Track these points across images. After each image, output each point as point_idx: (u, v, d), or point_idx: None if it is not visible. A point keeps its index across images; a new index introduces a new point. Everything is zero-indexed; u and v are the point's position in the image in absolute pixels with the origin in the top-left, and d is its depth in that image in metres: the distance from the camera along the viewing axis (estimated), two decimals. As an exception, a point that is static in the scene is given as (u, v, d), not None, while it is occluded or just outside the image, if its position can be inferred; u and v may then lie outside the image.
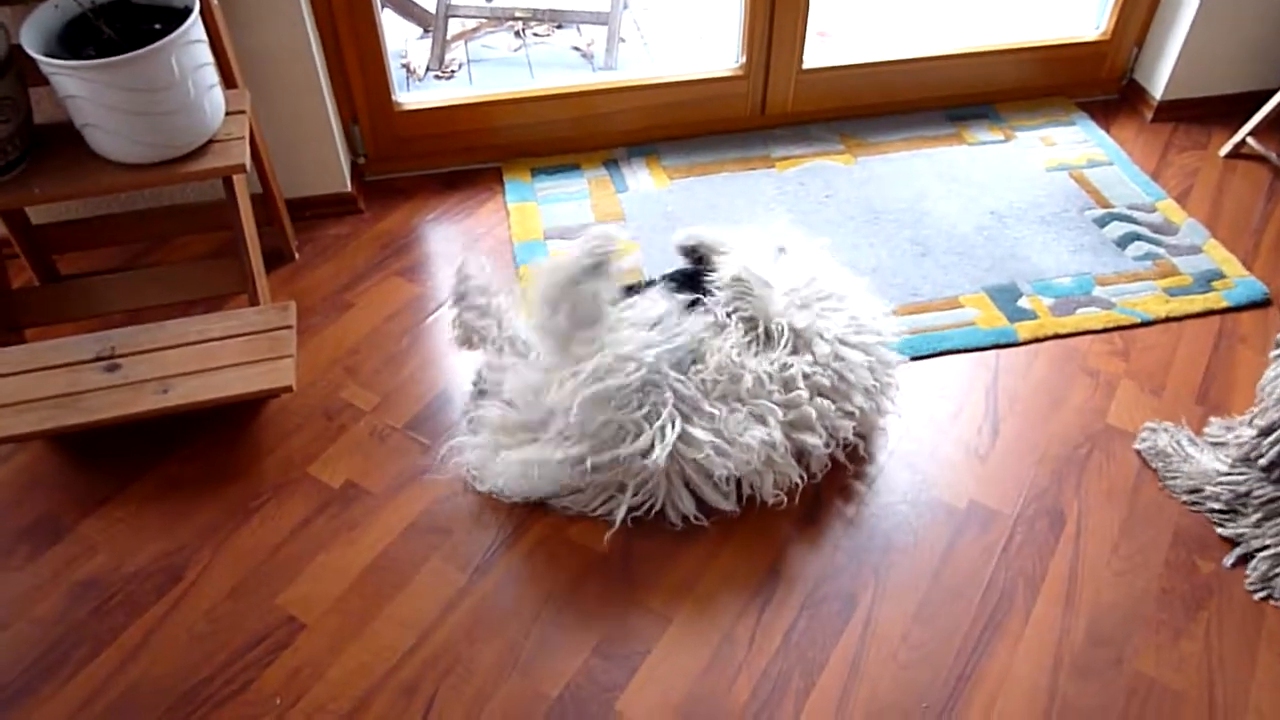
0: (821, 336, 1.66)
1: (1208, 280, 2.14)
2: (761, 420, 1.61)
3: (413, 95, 2.40)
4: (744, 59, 2.45)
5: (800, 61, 2.47)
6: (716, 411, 1.58)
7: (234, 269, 1.96)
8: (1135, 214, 2.32)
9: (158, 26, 1.65)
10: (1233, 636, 1.54)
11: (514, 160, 2.48)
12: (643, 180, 2.42)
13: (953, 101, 2.67)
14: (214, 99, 1.68)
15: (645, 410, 1.55)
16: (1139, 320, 2.05)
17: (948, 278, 2.15)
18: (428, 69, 2.99)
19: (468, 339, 1.86)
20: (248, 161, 1.67)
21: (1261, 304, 2.11)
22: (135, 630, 1.54)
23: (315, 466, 1.78)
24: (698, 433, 1.56)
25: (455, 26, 3.15)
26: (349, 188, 2.32)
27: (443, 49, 3.01)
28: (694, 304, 1.72)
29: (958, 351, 1.99)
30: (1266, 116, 2.46)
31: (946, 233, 2.27)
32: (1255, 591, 1.59)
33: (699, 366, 1.62)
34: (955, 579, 1.61)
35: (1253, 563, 1.61)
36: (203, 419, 1.84)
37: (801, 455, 1.66)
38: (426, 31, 3.16)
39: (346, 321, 2.07)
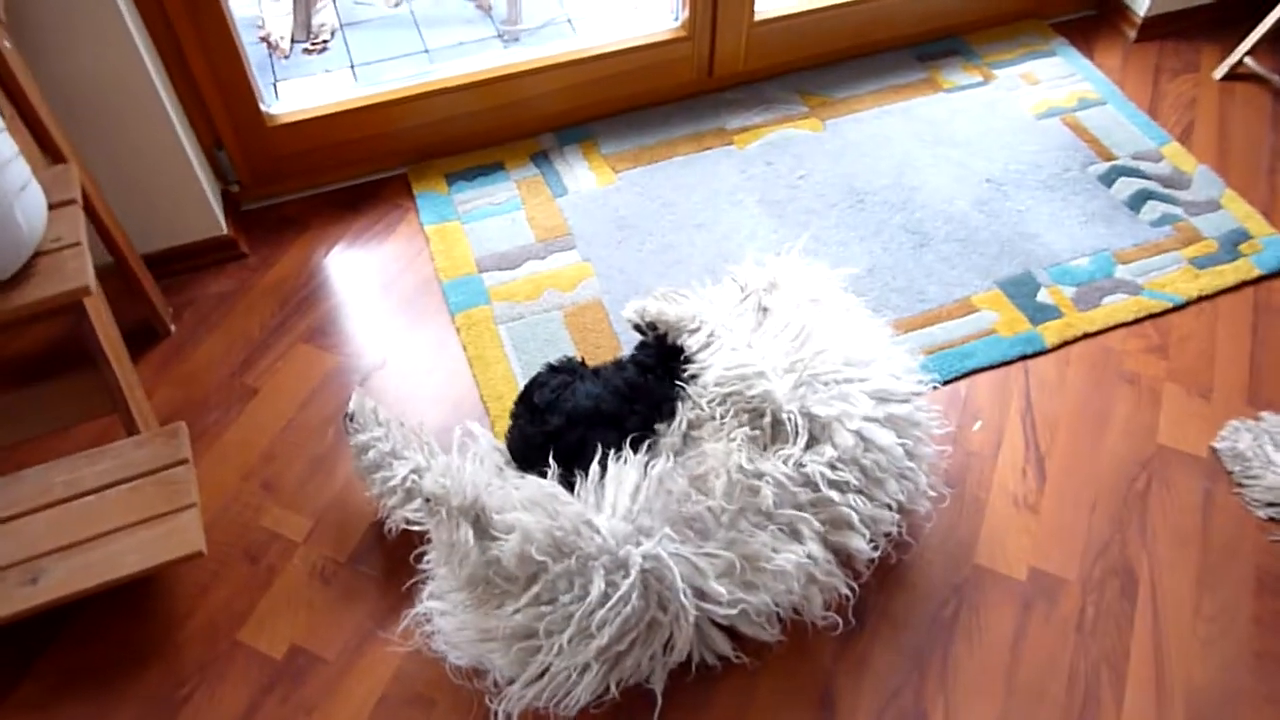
0: (842, 423, 1.34)
1: (1234, 244, 1.91)
2: (794, 534, 1.32)
3: (286, 97, 1.93)
4: (685, 15, 2.05)
5: (752, 13, 2.07)
6: (729, 552, 1.27)
7: (93, 382, 1.53)
8: (1142, 165, 2.06)
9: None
10: (1342, 705, 1.38)
11: (423, 164, 2.05)
12: (582, 177, 2.03)
13: (919, 38, 2.32)
14: (29, 201, 1.22)
15: (654, 606, 1.23)
16: (1170, 305, 1.81)
17: (954, 273, 1.86)
18: (293, 41, 2.47)
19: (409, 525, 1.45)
20: (92, 281, 1.23)
21: (1294, 267, 1.90)
22: None
23: (247, 631, 1.43)
24: (715, 586, 1.25)
25: (318, -21, 2.61)
26: (225, 229, 1.87)
27: (308, 12, 2.49)
28: (664, 401, 1.41)
29: (982, 370, 1.73)
30: (1265, 34, 2.20)
31: (943, 212, 1.97)
32: (1354, 641, 1.43)
33: (699, 496, 1.30)
34: (1032, 674, 1.39)
35: (1350, 610, 1.44)
36: (90, 586, 1.45)
37: (845, 557, 1.38)
38: (283, -12, 2.61)
39: (252, 415, 1.67)
